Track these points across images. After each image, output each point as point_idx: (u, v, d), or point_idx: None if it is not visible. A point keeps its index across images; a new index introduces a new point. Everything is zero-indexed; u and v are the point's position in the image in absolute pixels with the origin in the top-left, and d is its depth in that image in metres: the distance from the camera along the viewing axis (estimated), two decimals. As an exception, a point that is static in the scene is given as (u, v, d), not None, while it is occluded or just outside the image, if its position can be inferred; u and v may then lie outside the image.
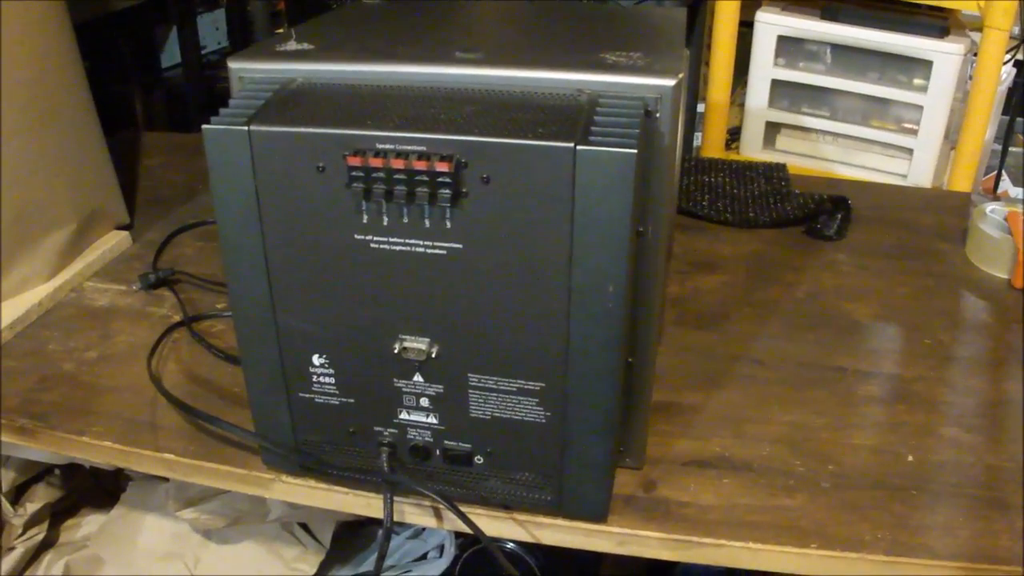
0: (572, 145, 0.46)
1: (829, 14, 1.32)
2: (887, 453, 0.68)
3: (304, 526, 0.91)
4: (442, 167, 0.47)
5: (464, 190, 0.48)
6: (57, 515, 0.98)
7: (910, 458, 0.67)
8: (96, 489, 1.01)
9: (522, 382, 0.54)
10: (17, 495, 0.96)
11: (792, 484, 0.65)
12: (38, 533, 0.95)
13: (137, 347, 0.80)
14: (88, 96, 0.90)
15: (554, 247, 0.49)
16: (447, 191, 0.48)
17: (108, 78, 1.56)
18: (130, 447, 0.68)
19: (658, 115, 0.50)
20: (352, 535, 0.97)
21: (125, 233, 0.97)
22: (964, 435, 0.70)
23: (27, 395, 0.74)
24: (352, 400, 0.58)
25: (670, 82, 0.50)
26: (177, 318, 0.84)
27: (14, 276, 0.84)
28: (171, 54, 1.78)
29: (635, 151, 0.45)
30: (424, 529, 0.96)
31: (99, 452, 0.69)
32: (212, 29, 1.91)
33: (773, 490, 0.64)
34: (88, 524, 0.98)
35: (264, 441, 0.62)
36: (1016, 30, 1.26)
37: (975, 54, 1.26)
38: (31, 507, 0.94)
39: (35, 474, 0.97)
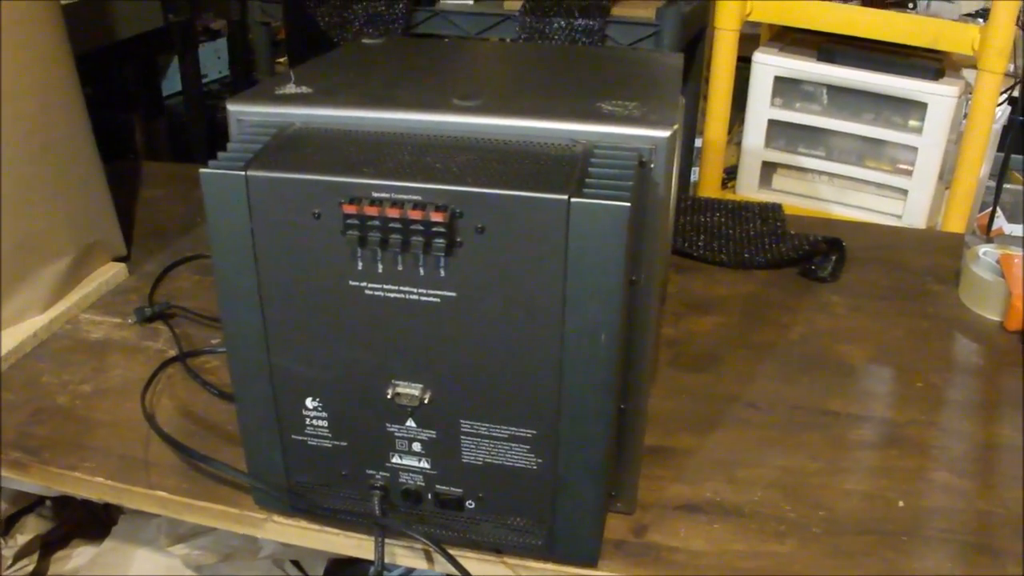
0: (566, 197, 0.46)
1: (826, 55, 1.33)
2: (878, 498, 0.68)
3: (296, 563, 0.90)
4: (437, 217, 0.47)
5: (459, 239, 0.49)
6: (47, 546, 0.98)
7: (901, 503, 0.67)
8: (87, 521, 1.01)
9: (514, 429, 0.54)
10: (7, 526, 0.96)
11: (783, 530, 0.65)
12: (28, 565, 0.94)
13: (131, 381, 0.80)
14: (88, 128, 0.91)
15: (547, 297, 0.49)
16: (442, 241, 0.48)
17: (110, 106, 1.57)
18: (122, 484, 0.68)
19: (652, 166, 0.51)
20: (344, 571, 0.96)
21: (122, 265, 0.97)
22: (955, 480, 0.70)
23: (21, 428, 0.74)
24: (345, 443, 0.58)
25: (664, 133, 0.50)
26: (172, 353, 0.84)
27: (10, 307, 0.84)
28: (172, 83, 1.79)
29: (628, 204, 0.46)
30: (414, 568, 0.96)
31: (91, 488, 0.69)
32: (214, 58, 1.93)
33: (764, 536, 0.64)
34: (78, 556, 0.98)
35: (256, 481, 0.62)
36: (1011, 67, 1.27)
37: (969, 94, 1.27)
38: (21, 538, 0.94)
39: (26, 505, 0.97)
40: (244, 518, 0.66)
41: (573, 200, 0.46)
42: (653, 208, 0.52)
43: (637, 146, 0.51)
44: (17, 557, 0.93)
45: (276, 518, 0.65)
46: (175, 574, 0.89)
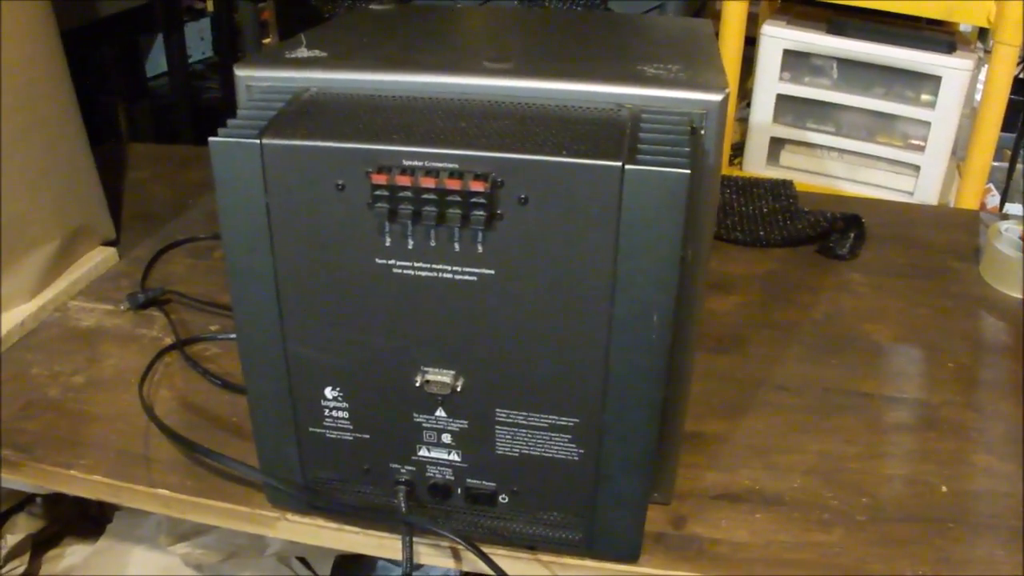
0: (620, 164, 0.42)
1: (836, 28, 1.30)
2: (921, 483, 0.65)
3: (303, 560, 0.86)
4: (477, 186, 0.43)
5: (499, 212, 0.44)
6: (39, 546, 0.93)
7: (944, 489, 0.64)
8: (80, 518, 0.96)
9: (555, 418, 0.50)
10: (-4, 526, 0.91)
11: (827, 518, 0.61)
12: (19, 566, 0.90)
13: (126, 372, 0.75)
14: (75, 106, 0.86)
15: (596, 274, 0.45)
16: (481, 213, 0.44)
17: (92, 88, 1.52)
18: (121, 482, 0.64)
19: (703, 132, 0.47)
20: (351, 567, 0.92)
21: (112, 250, 0.93)
22: (997, 463, 0.67)
23: (10, 423, 0.69)
24: (367, 436, 0.54)
25: (717, 97, 0.46)
26: (168, 341, 0.79)
27: (-5, 295, 0.79)
28: (155, 63, 1.74)
29: (688, 171, 0.42)
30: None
31: (88, 487, 0.65)
32: (197, 39, 1.87)
33: (808, 525, 0.61)
34: (72, 555, 0.93)
35: (270, 478, 0.57)
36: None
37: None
38: (12, 539, 0.89)
39: (16, 503, 0.92)
40: (255, 517, 0.62)
41: (628, 167, 0.42)
42: (704, 179, 0.48)
43: (687, 110, 0.47)
44: (7, 558, 0.89)
45: (290, 516, 0.61)
46: (175, 574, 0.85)
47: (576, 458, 0.51)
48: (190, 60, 1.79)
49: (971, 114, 1.29)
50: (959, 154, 1.32)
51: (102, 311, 0.85)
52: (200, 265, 0.93)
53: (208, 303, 0.85)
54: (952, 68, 1.23)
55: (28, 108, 0.79)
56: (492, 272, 0.46)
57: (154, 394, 0.73)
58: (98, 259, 0.91)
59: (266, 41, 1.83)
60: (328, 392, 0.53)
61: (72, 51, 0.86)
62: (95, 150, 0.91)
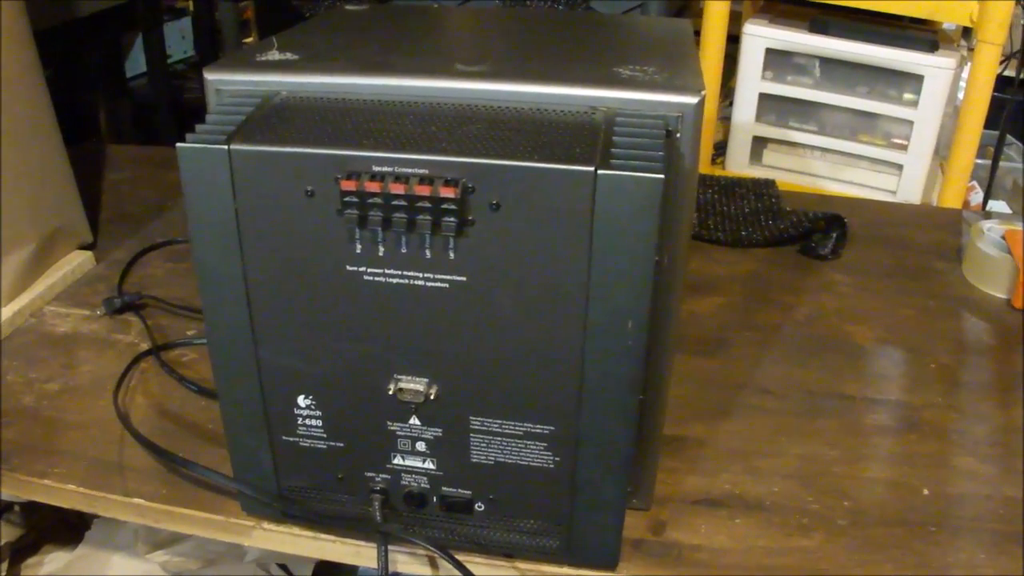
0: (592, 169, 0.41)
1: (818, 27, 1.29)
2: (902, 487, 0.65)
3: (283, 567, 0.86)
4: (447, 192, 0.42)
5: (470, 218, 0.44)
6: (17, 553, 0.92)
7: (926, 491, 0.64)
8: (59, 526, 0.95)
9: (530, 425, 0.50)
10: (-28, 534, 0.90)
11: (808, 523, 0.61)
12: (-4, 574, 0.89)
13: (102, 378, 0.74)
14: (49, 107, 0.85)
15: (569, 281, 0.44)
16: (452, 219, 0.43)
17: (71, 87, 1.50)
18: (96, 491, 0.63)
19: (679, 135, 0.46)
20: (332, 573, 0.91)
21: (88, 253, 0.92)
22: (979, 465, 0.67)
23: (-17, 432, 0.68)
24: (341, 444, 0.53)
25: (692, 99, 0.46)
26: (145, 346, 0.78)
27: (-32, 301, 0.78)
28: (136, 63, 1.72)
29: (662, 176, 0.41)
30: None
31: (62, 496, 0.64)
32: (178, 38, 1.86)
33: (789, 530, 0.60)
34: (51, 563, 0.92)
35: (244, 487, 0.57)
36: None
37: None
38: (-12, 547, 0.88)
39: (-8, 511, 0.91)
40: (230, 525, 0.61)
41: (600, 172, 0.41)
42: (679, 183, 0.47)
43: (662, 113, 0.46)
44: (-16, 566, 0.88)
45: (265, 525, 0.60)
46: (154, 580, 0.84)
47: (552, 465, 0.51)
48: (170, 59, 1.78)
49: (954, 113, 1.29)
50: (942, 153, 1.31)
51: (78, 316, 0.84)
52: (178, 268, 0.92)
53: (185, 307, 0.84)
54: (935, 67, 1.23)
55: (1, 110, 0.77)
56: (464, 279, 0.46)
57: (130, 401, 0.72)
58: (74, 263, 0.90)
59: (247, 40, 1.82)
60: (301, 400, 0.52)
61: (51, 50, 0.85)
62: (73, 150, 0.89)
